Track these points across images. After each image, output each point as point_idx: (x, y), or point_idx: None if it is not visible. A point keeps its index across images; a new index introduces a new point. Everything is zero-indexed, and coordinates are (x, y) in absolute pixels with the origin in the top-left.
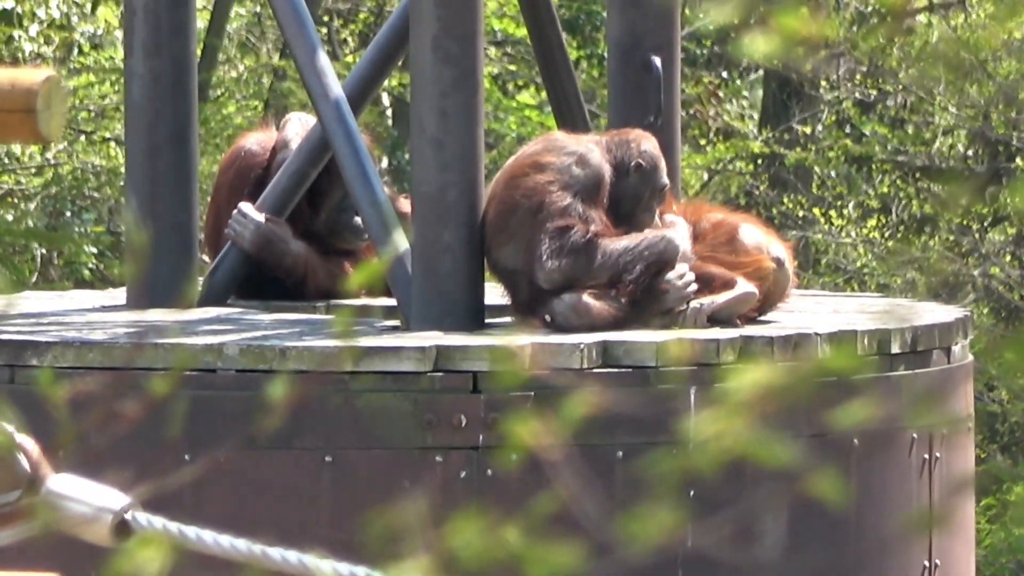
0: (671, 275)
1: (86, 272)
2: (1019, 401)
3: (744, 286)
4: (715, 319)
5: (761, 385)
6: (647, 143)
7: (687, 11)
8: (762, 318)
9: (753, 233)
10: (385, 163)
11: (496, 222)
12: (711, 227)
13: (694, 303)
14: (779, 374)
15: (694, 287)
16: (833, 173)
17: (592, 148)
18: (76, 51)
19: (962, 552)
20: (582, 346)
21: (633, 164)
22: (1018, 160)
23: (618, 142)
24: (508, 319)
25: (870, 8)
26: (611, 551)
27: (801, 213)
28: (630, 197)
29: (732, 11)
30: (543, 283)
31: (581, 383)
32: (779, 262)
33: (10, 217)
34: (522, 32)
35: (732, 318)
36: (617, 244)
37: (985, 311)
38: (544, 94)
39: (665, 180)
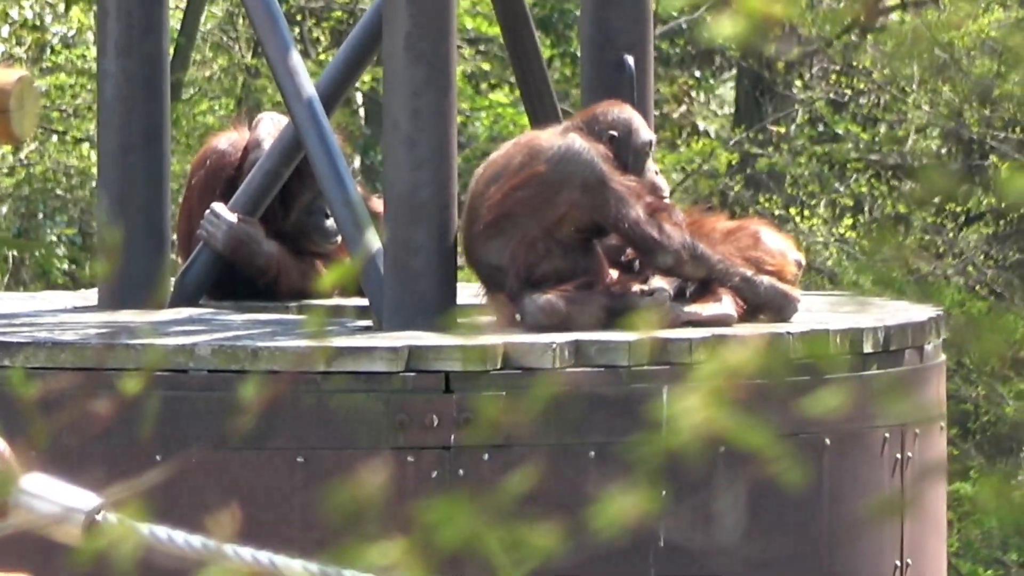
0: (648, 287)
1: (58, 276)
2: (990, 398)
3: (727, 306)
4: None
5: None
6: (614, 110)
7: (659, 10)
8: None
9: (774, 237)
10: (357, 162)
11: (489, 221)
12: (726, 232)
13: (675, 308)
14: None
15: (668, 303)
16: (806, 172)
17: (573, 138)
18: (48, 51)
19: (935, 546)
20: (554, 345)
21: (607, 137)
22: (992, 158)
23: (587, 120)
24: (480, 318)
25: None
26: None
27: (776, 212)
28: (618, 167)
29: None
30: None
31: (553, 382)
32: (799, 265)
33: None
34: (495, 30)
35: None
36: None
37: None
38: (517, 92)
39: (645, 136)
